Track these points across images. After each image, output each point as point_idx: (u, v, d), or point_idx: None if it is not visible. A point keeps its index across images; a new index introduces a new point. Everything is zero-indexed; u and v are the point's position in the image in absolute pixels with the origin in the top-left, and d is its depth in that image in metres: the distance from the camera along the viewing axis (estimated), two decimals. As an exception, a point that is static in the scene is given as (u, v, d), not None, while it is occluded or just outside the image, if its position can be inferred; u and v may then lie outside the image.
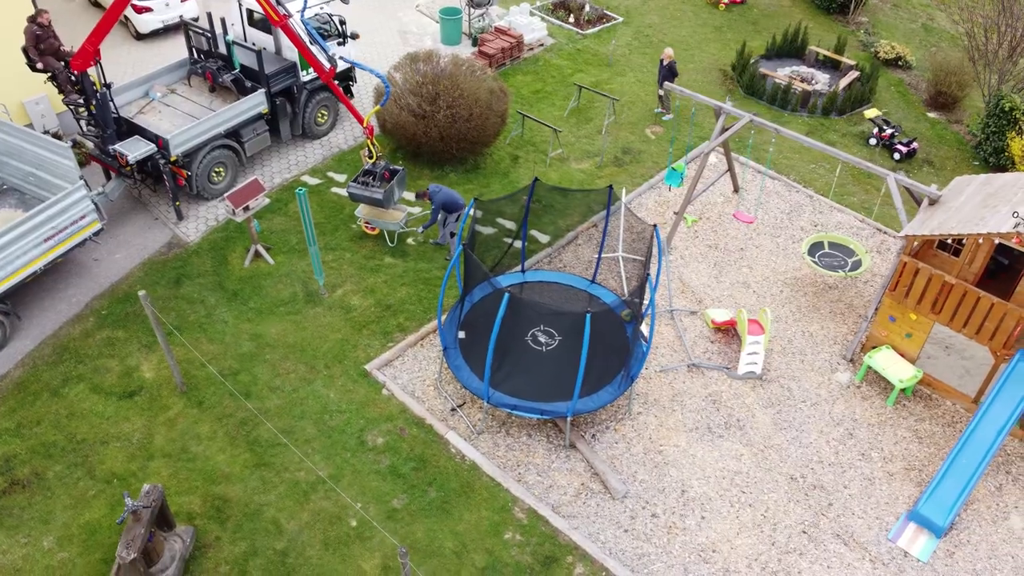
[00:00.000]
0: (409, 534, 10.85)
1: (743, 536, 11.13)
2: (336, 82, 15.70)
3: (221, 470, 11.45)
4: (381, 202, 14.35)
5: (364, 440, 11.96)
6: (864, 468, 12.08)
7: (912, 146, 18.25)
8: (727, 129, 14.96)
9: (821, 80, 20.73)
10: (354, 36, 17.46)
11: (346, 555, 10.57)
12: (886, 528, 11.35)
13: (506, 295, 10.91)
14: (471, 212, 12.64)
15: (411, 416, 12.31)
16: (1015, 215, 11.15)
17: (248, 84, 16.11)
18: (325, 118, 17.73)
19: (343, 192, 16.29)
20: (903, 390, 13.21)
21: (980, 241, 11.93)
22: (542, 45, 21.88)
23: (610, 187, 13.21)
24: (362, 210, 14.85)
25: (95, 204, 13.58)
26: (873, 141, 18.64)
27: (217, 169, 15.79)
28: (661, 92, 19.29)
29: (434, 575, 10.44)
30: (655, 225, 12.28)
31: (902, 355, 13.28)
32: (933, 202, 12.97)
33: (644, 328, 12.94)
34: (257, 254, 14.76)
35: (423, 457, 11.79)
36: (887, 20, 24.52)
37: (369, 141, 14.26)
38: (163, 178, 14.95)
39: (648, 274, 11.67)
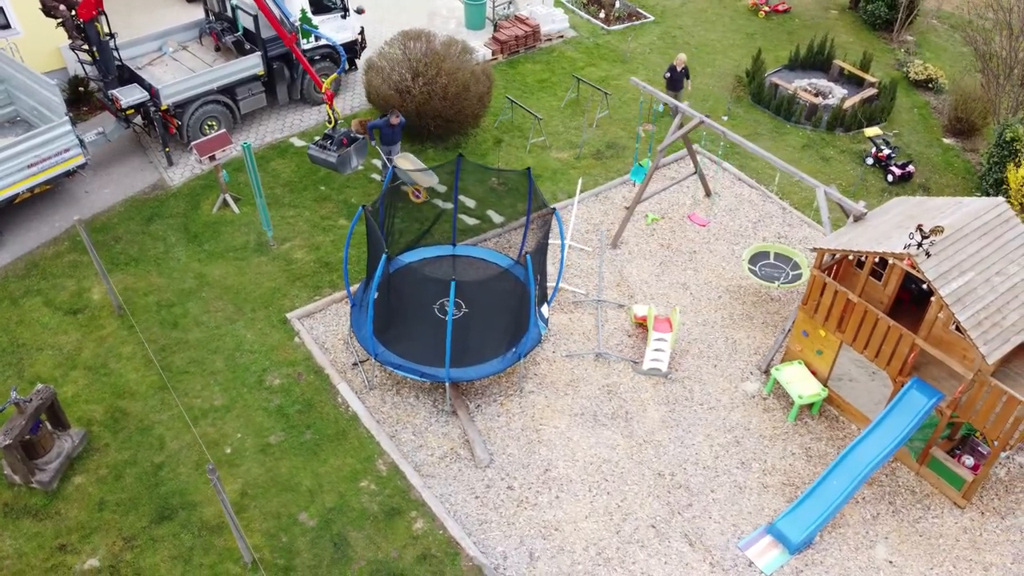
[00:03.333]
0: (273, 467, 11.63)
1: (590, 521, 11.30)
2: (344, 54, 16.72)
3: (129, 387, 12.57)
4: (335, 166, 15.17)
5: (263, 379, 12.82)
6: (739, 476, 11.96)
7: (907, 169, 17.53)
8: (683, 127, 14.93)
9: (838, 95, 20.10)
10: (359, 11, 18.34)
11: (196, 472, 11.45)
12: (740, 536, 11.25)
13: (383, 255, 11.49)
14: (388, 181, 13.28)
15: (313, 364, 13.08)
16: (911, 236, 10.78)
17: (247, 46, 17.28)
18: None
19: (323, 156, 17.24)
20: (809, 408, 12.95)
21: (876, 260, 11.57)
22: (561, 37, 22.17)
23: (528, 169, 13.51)
24: (409, 176, 15.64)
25: (80, 140, 15.01)
26: (870, 160, 18.01)
27: (210, 122, 17.03)
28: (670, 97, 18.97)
29: (283, 507, 11.18)
30: (554, 208, 12.54)
31: (814, 372, 12.99)
32: (858, 219, 12.61)
33: (546, 310, 13.19)
34: (225, 203, 15.89)
35: (311, 402, 12.53)
36: (938, 41, 23.37)
37: (328, 107, 15.09)
38: (166, 125, 16.33)
39: (528, 254, 11.85)
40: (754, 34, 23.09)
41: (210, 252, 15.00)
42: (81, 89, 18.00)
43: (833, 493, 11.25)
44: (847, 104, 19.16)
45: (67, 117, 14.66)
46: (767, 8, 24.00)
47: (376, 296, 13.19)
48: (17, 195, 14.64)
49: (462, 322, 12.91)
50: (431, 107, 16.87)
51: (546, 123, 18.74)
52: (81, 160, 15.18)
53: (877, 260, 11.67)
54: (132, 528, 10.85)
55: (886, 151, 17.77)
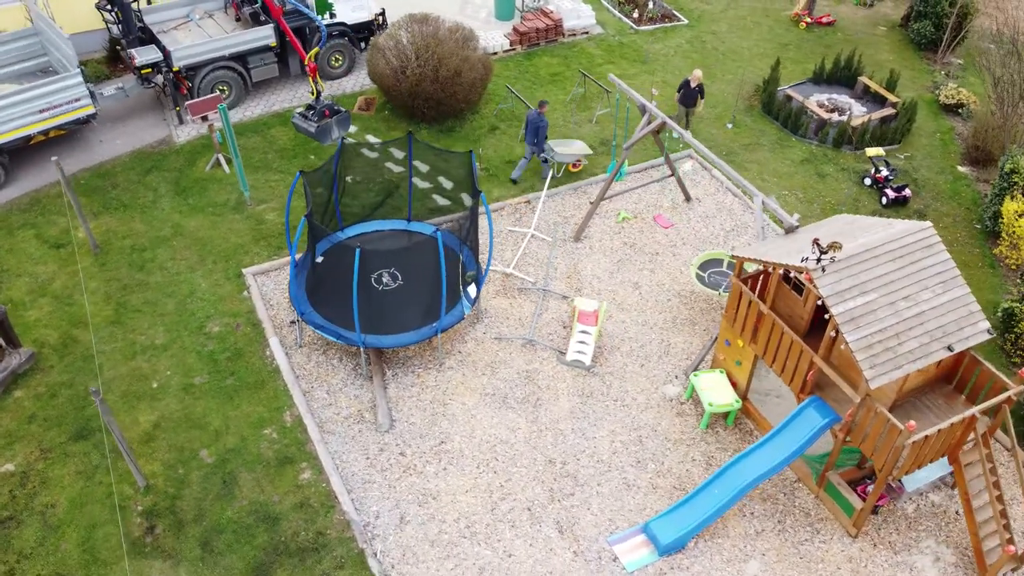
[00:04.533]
0: (190, 406, 12.47)
1: (469, 495, 11.60)
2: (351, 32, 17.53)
3: (85, 319, 13.68)
4: (315, 135, 15.91)
5: (204, 326, 13.70)
6: (631, 474, 11.98)
7: (903, 193, 16.83)
8: (650, 124, 14.90)
9: (856, 112, 19.43)
10: (375, -8, 19.07)
11: (134, 407, 12.40)
12: (614, 531, 11.30)
13: (304, 217, 12.10)
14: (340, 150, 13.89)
15: (253, 318, 13.87)
16: (812, 251, 10.54)
17: (262, 18, 18.28)
18: (339, 62, 19.57)
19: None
20: (725, 418, 12.79)
21: (781, 272, 11.33)
22: (586, 33, 22.26)
23: (471, 152, 13.82)
24: (568, 157, 16.61)
25: (90, 92, 16.32)
26: (868, 181, 17.38)
27: (221, 87, 18.13)
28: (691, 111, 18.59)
29: (188, 442, 11.99)
30: (480, 192, 12.84)
31: (734, 383, 12.81)
32: (789, 231, 12.35)
33: (473, 291, 13.49)
34: (218, 162, 16.92)
35: (241, 352, 13.32)
36: (988, 66, 22.11)
37: (311, 78, 15.83)
38: (177, 85, 17.54)
39: (439, 231, 12.16)
40: (788, 45, 22.51)
41: (192, 206, 16.03)
42: (118, 48, 19.46)
43: (711, 502, 11.14)
44: (856, 122, 18.52)
45: (78, 70, 15.98)
46: (809, 19, 23.33)
47: (320, 260, 13.94)
48: (32, 136, 16.09)
49: (390, 293, 13.41)
50: (422, 89, 17.41)
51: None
52: (91, 110, 16.51)
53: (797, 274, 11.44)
54: (51, 442, 11.89)
55: (884, 172, 17.12)
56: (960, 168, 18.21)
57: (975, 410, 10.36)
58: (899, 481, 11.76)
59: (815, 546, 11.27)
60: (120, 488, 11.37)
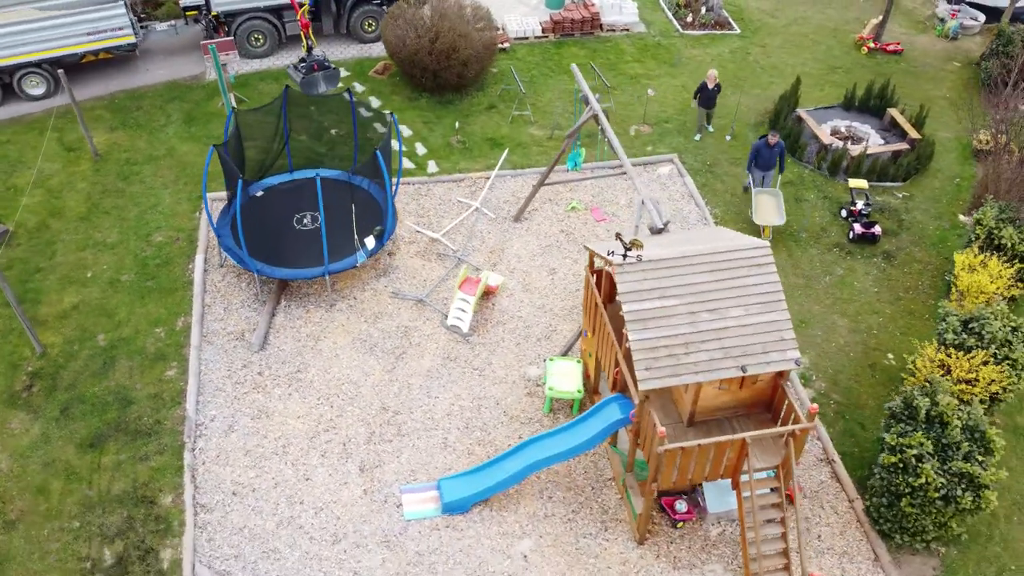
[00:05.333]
0: (108, 297, 14.26)
1: (299, 421, 12.56)
2: None
3: (63, 212, 15.87)
4: (301, 86, 17.29)
5: (151, 234, 15.50)
6: (452, 436, 12.46)
7: (872, 230, 15.85)
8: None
9: (874, 142, 18.33)
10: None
11: (65, 288, 14.36)
12: (412, 481, 11.87)
13: (211, 148, 13.47)
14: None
15: (194, 236, 15.48)
16: (620, 245, 10.54)
17: (300, -23, 19.93)
18: (372, 27, 20.90)
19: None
20: (571, 406, 12.91)
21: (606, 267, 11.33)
22: (626, 30, 22.25)
23: (391, 113, 14.61)
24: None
25: (131, 22, 18.60)
26: (844, 213, 16.45)
27: (256, 36, 20.00)
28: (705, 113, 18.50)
29: (92, 326, 13.76)
30: (376, 150, 13.63)
31: (588, 375, 12.90)
32: (654, 232, 12.24)
33: (371, 242, 14.29)
34: (229, 101, 18.75)
35: (169, 261, 14.98)
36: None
37: (303, 33, 17.19)
38: (216, 28, 19.59)
39: (319, 178, 13.03)
40: (838, 68, 21.40)
41: (192, 135, 17.95)
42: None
43: (499, 474, 11.45)
44: (855, 151, 17.51)
45: (122, 1, 18.30)
46: (873, 45, 22.01)
47: (260, 194, 15.34)
48: (83, 55, 18.63)
49: (306, 233, 14.58)
50: (419, 59, 18.38)
51: (547, 103, 19.33)
52: (132, 40, 18.83)
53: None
54: (-14, 301, 14.10)
55: (859, 205, 16.16)
56: (961, 217, 16.78)
57: (745, 435, 10.01)
58: (702, 500, 11.48)
59: (596, 542, 11.29)
60: (22, 351, 13.32)
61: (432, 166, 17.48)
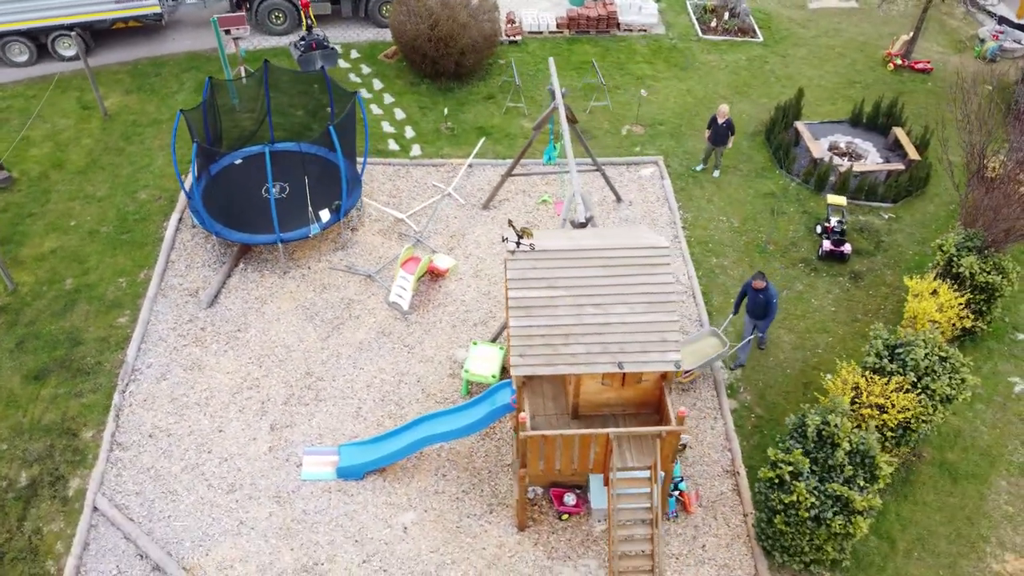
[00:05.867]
0: (84, 246, 15.26)
1: (227, 376, 13.18)
2: None
3: (64, 164, 17.03)
4: (297, 62, 17.97)
5: (137, 191, 16.47)
6: (366, 407, 12.83)
7: (841, 248, 15.36)
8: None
9: (872, 160, 17.71)
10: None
11: (48, 234, 15.44)
12: (317, 444, 12.31)
13: (179, 114, 14.23)
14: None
15: (175, 196, 16.36)
16: (510, 230, 10.65)
17: (322, -42, 20.69)
18: (389, 13, 21.47)
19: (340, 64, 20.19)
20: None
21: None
22: (644, 30, 22.09)
23: (355, 93, 15.04)
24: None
25: (165, -3, 19.80)
26: (819, 229, 15.99)
27: (276, 14, 20.85)
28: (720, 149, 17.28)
29: (63, 270, 14.77)
30: (331, 125, 14.08)
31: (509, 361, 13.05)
32: (575, 225, 12.27)
33: (325, 215, 14.78)
34: (240, 74, 19.64)
35: (147, 217, 15.90)
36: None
37: (303, 12, 17.85)
38: (239, 4, 20.57)
39: (268, 147, 13.57)
40: (858, 83, 20.70)
41: (198, 101, 18.91)
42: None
43: (392, 446, 11.77)
44: (843, 168, 16.96)
45: (147, -30, 19.49)
46: (900, 62, 21.17)
47: (239, 162, 16.10)
48: (113, 22, 19.90)
49: (273, 201, 15.25)
50: (419, 45, 18.81)
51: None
52: (158, 10, 19.95)
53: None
54: (-25, 238, 15.31)
55: (833, 222, 15.68)
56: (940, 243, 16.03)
57: (609, 431, 10.00)
58: (589, 495, 11.48)
59: (478, 523, 11.47)
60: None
61: (416, 150, 17.89)
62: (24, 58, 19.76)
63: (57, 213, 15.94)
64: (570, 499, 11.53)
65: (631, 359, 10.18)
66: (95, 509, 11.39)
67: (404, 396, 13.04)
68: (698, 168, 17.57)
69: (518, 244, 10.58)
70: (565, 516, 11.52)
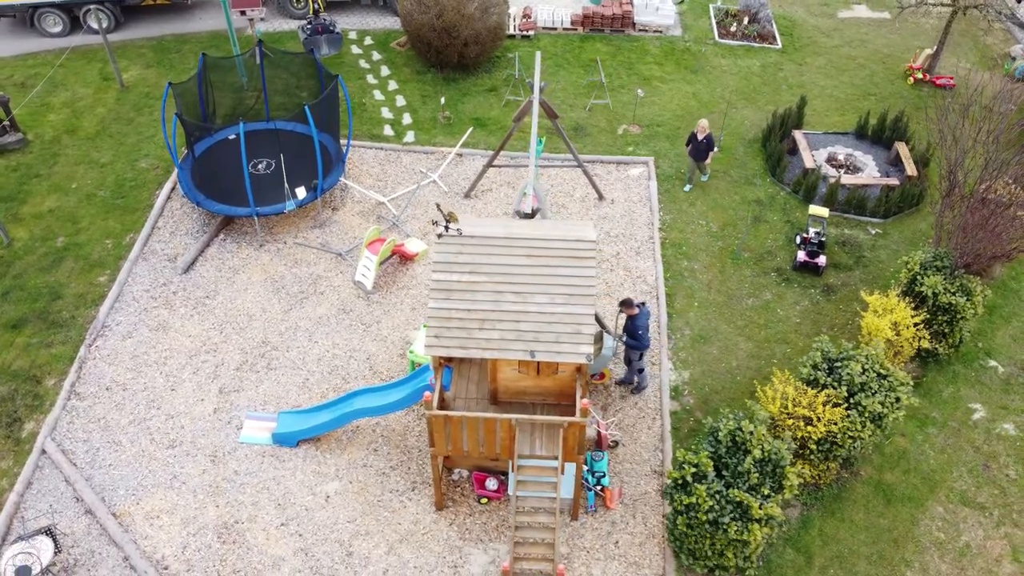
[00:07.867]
0: (81, 209, 16.09)
1: (188, 339, 13.75)
2: None
3: (77, 130, 17.96)
4: (303, 45, 18.52)
5: (137, 159, 17.27)
6: (314, 379, 13.23)
7: (815, 260, 15.06)
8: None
9: (868, 173, 17.28)
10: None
11: (49, 195, 16.34)
12: (262, 410, 12.77)
13: (167, 86, 14.84)
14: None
15: (172, 166, 17.09)
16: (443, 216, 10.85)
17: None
18: (405, 1, 21.92)
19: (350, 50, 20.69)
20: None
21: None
22: (659, 31, 21.95)
23: (337, 76, 15.43)
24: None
25: (186, -25, 20.63)
26: (798, 239, 15.70)
27: (297, -2, 21.56)
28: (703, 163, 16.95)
29: (58, 229, 15.61)
30: (306, 105, 14.49)
31: (454, 347, 13.26)
32: (521, 216, 12.39)
33: (301, 193, 15.23)
34: (255, 51, 20.33)
35: (142, 185, 16.67)
36: None
37: (310, -2, 18.43)
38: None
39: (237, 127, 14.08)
40: (873, 95, 20.17)
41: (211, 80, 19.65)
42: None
43: (323, 417, 12.13)
44: (831, 180, 16.58)
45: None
46: (920, 76, 20.53)
47: (232, 137, 16.73)
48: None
49: (257, 177, 15.80)
50: (424, 35, 19.15)
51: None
52: (176, -11, 20.88)
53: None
54: (-14, 197, 16.30)
55: (811, 233, 15.38)
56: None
57: (510, 417, 10.11)
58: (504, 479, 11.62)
59: (399, 499, 11.74)
60: (-5, 240, 15.42)
61: (410, 136, 18.25)
62: (58, 29, 20.89)
63: (62, 176, 16.84)
64: (492, 484, 11.69)
65: (544, 348, 10.27)
66: (43, 452, 12.08)
67: (352, 372, 13.39)
68: (687, 188, 17.15)
69: (446, 228, 10.79)
70: (484, 500, 11.69)
